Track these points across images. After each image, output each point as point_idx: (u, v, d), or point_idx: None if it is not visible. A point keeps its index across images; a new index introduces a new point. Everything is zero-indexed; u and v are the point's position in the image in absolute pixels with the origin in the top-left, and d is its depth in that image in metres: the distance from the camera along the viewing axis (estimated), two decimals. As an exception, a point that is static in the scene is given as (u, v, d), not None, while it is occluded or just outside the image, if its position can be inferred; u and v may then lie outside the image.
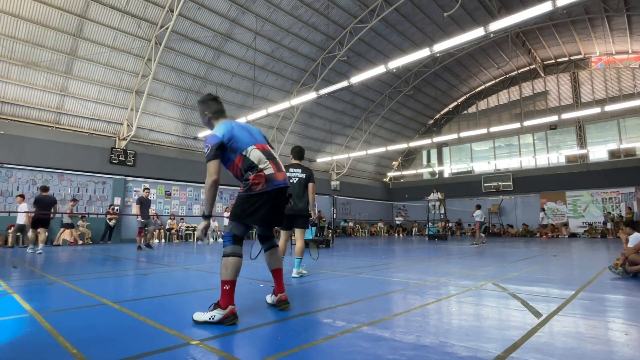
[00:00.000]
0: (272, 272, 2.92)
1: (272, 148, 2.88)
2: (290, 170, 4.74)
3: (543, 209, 15.63)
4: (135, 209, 9.80)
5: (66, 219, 12.18)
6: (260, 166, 2.61)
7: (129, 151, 14.53)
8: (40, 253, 8.16)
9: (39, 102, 12.53)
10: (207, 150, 2.60)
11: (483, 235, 13.43)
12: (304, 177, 4.78)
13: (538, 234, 19.74)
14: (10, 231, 11.29)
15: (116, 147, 14.34)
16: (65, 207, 12.29)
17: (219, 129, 2.70)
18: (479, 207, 12.91)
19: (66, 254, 8.32)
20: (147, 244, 9.88)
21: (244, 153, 2.63)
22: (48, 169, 12.66)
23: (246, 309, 2.88)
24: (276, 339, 2.09)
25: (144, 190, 10.35)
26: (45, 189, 9.03)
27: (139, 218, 9.64)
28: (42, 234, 8.69)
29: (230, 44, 14.76)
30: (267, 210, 2.61)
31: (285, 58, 16.46)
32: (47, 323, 2.41)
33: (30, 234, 9.16)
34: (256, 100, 16.95)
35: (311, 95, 12.39)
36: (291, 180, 4.65)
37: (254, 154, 2.64)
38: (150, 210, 9.82)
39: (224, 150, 2.64)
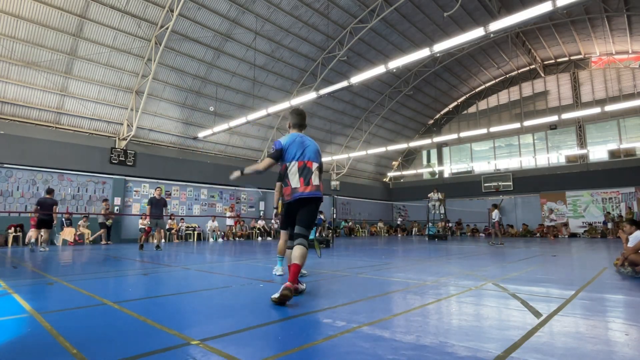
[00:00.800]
0: (290, 265, 3.27)
1: (319, 162, 3.54)
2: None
3: (495, 206, 15.06)
4: (147, 209, 9.76)
5: (101, 219, 13.16)
6: (290, 179, 3.37)
7: (129, 151, 14.53)
8: (41, 251, 8.66)
9: (39, 102, 12.53)
10: (273, 148, 3.44)
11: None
12: None
13: (538, 234, 19.76)
14: (10, 231, 11.32)
15: (116, 147, 14.34)
16: (99, 209, 13.39)
17: (285, 138, 3.50)
18: (495, 206, 12.68)
19: (66, 254, 8.32)
20: (157, 246, 9.70)
21: (287, 164, 3.40)
22: (48, 169, 12.66)
23: (246, 308, 2.88)
24: (276, 339, 2.09)
25: (155, 190, 10.24)
26: (50, 191, 9.57)
27: (147, 219, 9.70)
28: (45, 234, 9.26)
29: (230, 44, 14.76)
30: (286, 215, 3.61)
31: (285, 58, 16.46)
32: (47, 323, 2.41)
33: (30, 233, 9.34)
34: (256, 100, 16.96)
35: (311, 95, 12.40)
36: None
37: (293, 169, 3.38)
38: (165, 210, 9.67)
39: (282, 155, 3.42)
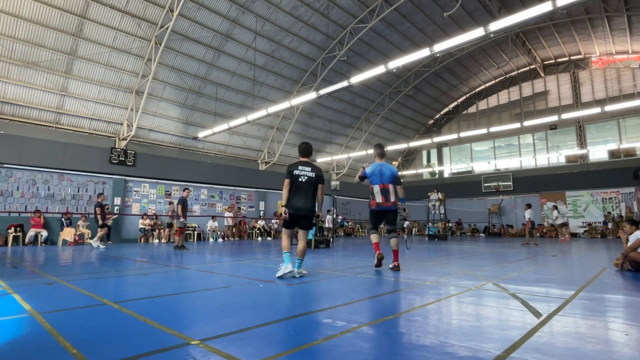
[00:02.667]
0: (392, 251, 5.25)
1: (395, 183, 5.41)
2: (300, 168, 4.56)
3: (555, 207, 14.78)
4: (179, 209, 9.88)
5: (169, 220, 13.72)
6: (375, 196, 5.38)
7: (129, 151, 14.53)
8: (97, 247, 9.97)
9: (39, 102, 12.53)
10: (361, 171, 5.53)
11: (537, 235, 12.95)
12: (313, 176, 4.60)
13: (538, 234, 19.71)
14: (10, 231, 11.31)
15: (116, 147, 14.34)
16: (169, 210, 14.16)
17: (370, 167, 5.48)
18: (529, 205, 12.44)
19: (66, 254, 8.32)
20: (182, 245, 9.75)
21: (371, 186, 5.41)
22: (48, 169, 12.66)
23: (246, 308, 2.88)
24: (276, 339, 2.09)
25: (184, 191, 10.36)
26: (99, 195, 10.94)
27: (181, 218, 9.77)
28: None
29: (230, 44, 14.76)
30: (374, 218, 5.56)
31: (285, 58, 16.46)
32: (47, 323, 2.41)
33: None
34: (256, 100, 16.96)
35: (311, 95, 12.39)
36: (300, 180, 4.51)
37: (375, 189, 5.38)
38: (187, 210, 10.04)
39: (366, 177, 5.48)
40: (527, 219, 12.23)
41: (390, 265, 5.25)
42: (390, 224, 5.45)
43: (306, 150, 4.75)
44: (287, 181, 4.52)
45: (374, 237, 5.50)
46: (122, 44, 12.82)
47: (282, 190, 4.65)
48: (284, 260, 4.44)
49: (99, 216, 10.48)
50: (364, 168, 5.51)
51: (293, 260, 4.46)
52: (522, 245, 11.65)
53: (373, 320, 2.50)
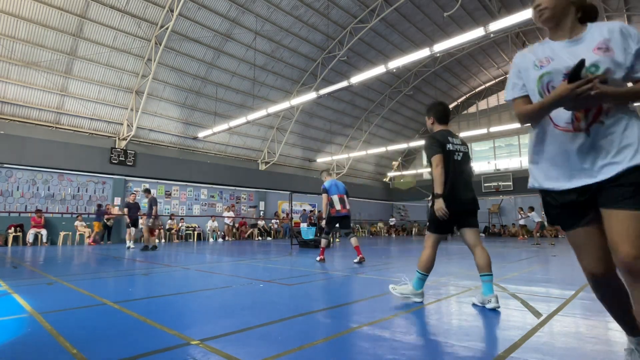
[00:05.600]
0: (354, 247, 6.30)
1: (347, 194, 6.63)
2: (450, 139, 3.00)
3: (532, 209, 15.02)
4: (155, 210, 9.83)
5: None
6: (335, 205, 6.43)
7: (129, 151, 14.53)
8: (128, 248, 9.81)
9: (39, 102, 12.53)
10: (322, 187, 6.65)
11: (539, 236, 13.43)
12: (467, 152, 3.11)
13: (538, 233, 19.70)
14: (10, 231, 11.30)
15: (116, 147, 14.34)
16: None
17: (327, 182, 6.65)
18: (532, 209, 12.79)
19: (66, 254, 8.32)
20: (148, 246, 9.69)
21: (330, 197, 6.47)
22: (48, 169, 12.66)
23: (246, 308, 2.88)
24: (276, 339, 2.09)
25: (149, 192, 10.36)
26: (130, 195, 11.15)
27: (152, 218, 9.71)
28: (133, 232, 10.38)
29: (230, 44, 14.76)
30: (332, 223, 6.59)
31: (285, 58, 16.46)
32: (47, 323, 2.41)
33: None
34: (256, 100, 16.96)
35: (311, 95, 12.40)
36: (455, 157, 2.96)
37: (335, 199, 6.44)
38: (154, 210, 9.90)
39: (328, 190, 6.51)
40: (536, 222, 12.61)
41: (356, 260, 6.00)
42: (346, 227, 6.53)
43: (447, 113, 3.16)
44: (439, 157, 2.90)
45: (324, 242, 6.62)
46: (122, 44, 12.82)
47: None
48: (415, 279, 2.99)
49: (127, 217, 10.32)
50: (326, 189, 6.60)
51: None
52: (532, 245, 11.73)
53: (373, 320, 2.50)
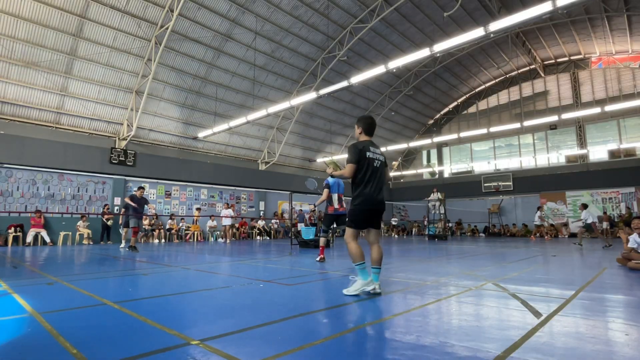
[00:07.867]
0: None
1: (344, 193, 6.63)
2: (371, 149, 3.53)
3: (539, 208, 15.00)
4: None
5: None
6: (334, 203, 6.71)
7: (129, 151, 14.52)
8: (123, 248, 9.68)
9: (39, 102, 12.52)
10: (325, 182, 6.88)
11: (585, 236, 12.91)
12: (384, 160, 3.68)
13: (538, 234, 19.71)
14: (10, 231, 11.30)
15: (116, 147, 14.34)
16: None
17: (331, 180, 6.76)
18: (585, 206, 12.07)
19: (66, 254, 8.32)
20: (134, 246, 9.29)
21: (330, 195, 6.70)
22: (48, 169, 12.66)
23: (246, 309, 2.88)
24: (276, 339, 2.09)
25: (138, 189, 10.24)
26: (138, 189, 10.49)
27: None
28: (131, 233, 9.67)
29: (230, 44, 14.76)
30: (330, 221, 6.89)
31: (285, 58, 16.46)
32: (47, 323, 2.41)
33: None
34: (256, 100, 16.95)
35: (311, 95, 12.39)
36: (375, 164, 3.51)
37: (334, 197, 6.67)
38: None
39: (331, 186, 6.74)
40: (591, 222, 11.79)
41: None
42: (343, 223, 6.76)
43: (372, 127, 3.68)
44: (353, 166, 3.44)
45: (323, 241, 6.77)
46: (122, 44, 12.82)
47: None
48: (359, 273, 3.46)
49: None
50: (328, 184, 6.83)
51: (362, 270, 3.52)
52: (574, 244, 11.54)
53: (373, 320, 2.50)
